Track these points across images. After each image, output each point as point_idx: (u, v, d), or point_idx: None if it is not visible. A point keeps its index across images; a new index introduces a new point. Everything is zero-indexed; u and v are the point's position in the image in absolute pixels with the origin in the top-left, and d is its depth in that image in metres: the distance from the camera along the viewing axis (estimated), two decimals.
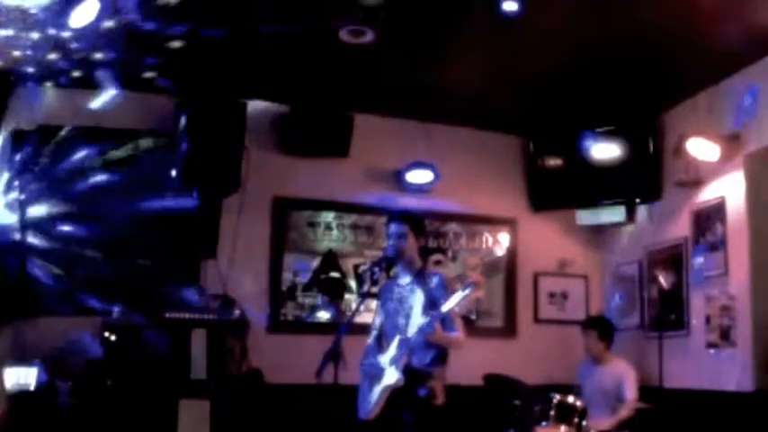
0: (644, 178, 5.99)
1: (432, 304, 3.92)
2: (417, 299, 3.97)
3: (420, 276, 4.06)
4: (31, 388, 4.80)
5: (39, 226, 5.39)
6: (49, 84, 5.45)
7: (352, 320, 4.01)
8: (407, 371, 3.85)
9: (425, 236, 4.26)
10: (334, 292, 5.98)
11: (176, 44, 4.85)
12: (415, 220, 4.17)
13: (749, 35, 4.63)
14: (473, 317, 6.18)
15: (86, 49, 4.89)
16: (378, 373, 3.95)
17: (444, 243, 6.29)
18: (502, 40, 4.87)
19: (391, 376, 3.86)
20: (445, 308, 3.81)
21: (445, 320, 3.91)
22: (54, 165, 5.48)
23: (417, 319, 3.91)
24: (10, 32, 4.64)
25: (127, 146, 5.62)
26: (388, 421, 3.89)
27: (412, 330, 3.86)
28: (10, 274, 5.18)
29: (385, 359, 3.97)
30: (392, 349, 3.95)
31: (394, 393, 3.87)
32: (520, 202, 6.51)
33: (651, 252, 6.00)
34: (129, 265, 5.47)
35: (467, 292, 3.76)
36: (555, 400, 4.73)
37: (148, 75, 5.35)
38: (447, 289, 3.96)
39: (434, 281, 4.01)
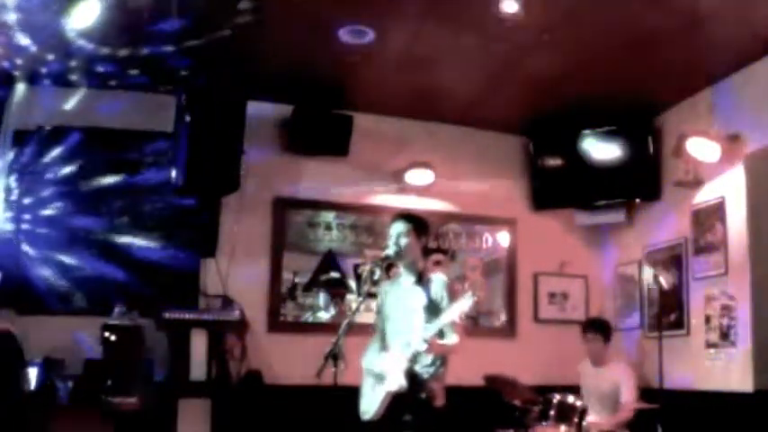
0: (643, 178, 5.99)
1: (433, 307, 3.91)
2: (419, 301, 3.96)
3: (422, 278, 4.06)
4: (31, 388, 4.80)
5: (38, 225, 5.38)
6: (49, 84, 5.44)
7: (353, 320, 3.99)
8: (408, 374, 3.84)
9: (428, 236, 4.24)
10: (334, 292, 5.98)
11: (177, 44, 4.85)
12: (417, 221, 4.17)
13: (749, 35, 4.64)
14: (474, 314, 6.20)
15: (87, 49, 4.89)
16: (381, 375, 3.95)
17: (444, 243, 6.29)
18: (502, 40, 4.87)
19: (395, 382, 3.84)
20: (445, 319, 3.79)
21: (444, 327, 3.89)
22: (53, 165, 5.47)
23: (419, 323, 3.90)
24: (10, 32, 4.64)
25: (126, 146, 5.63)
26: (388, 422, 3.89)
27: (415, 336, 3.84)
28: (9, 274, 5.17)
29: (388, 362, 3.95)
30: (395, 352, 3.93)
31: (395, 395, 3.87)
32: (520, 202, 6.51)
33: (651, 252, 6.00)
34: (129, 264, 5.47)
35: (468, 303, 3.72)
36: (555, 400, 4.73)
37: (149, 75, 5.36)
38: (449, 293, 3.95)
39: (437, 284, 4.00)
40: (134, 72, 5.31)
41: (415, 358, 3.83)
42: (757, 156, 5.02)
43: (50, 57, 5.02)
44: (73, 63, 5.12)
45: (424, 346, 3.77)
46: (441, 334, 3.86)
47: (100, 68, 5.21)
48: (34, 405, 4.70)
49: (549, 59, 5.10)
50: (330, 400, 3.98)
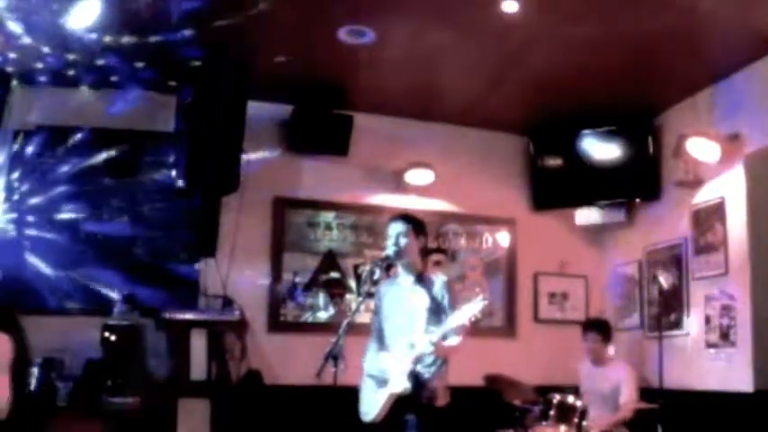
0: (643, 178, 6.00)
1: (435, 308, 3.91)
2: (420, 301, 3.95)
3: (422, 278, 4.06)
4: (32, 388, 4.79)
5: (39, 225, 5.38)
6: (49, 84, 5.44)
7: (353, 320, 3.99)
8: (411, 375, 3.84)
9: (426, 236, 4.24)
10: (334, 292, 5.98)
11: (177, 44, 4.85)
12: (415, 221, 4.17)
13: (749, 35, 4.64)
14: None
15: (87, 48, 4.89)
16: (383, 377, 3.94)
17: (444, 243, 6.29)
18: (502, 41, 4.87)
19: (398, 384, 3.82)
20: (454, 322, 3.77)
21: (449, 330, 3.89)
22: (54, 164, 5.47)
23: (422, 323, 3.89)
24: (10, 31, 4.64)
25: (127, 145, 5.63)
26: (389, 422, 3.88)
27: (418, 337, 3.83)
28: (9, 274, 5.17)
29: (390, 363, 3.93)
30: (398, 354, 3.92)
31: (397, 396, 3.86)
32: (520, 201, 6.51)
33: (651, 252, 6.00)
34: (129, 264, 5.47)
35: (478, 307, 3.70)
36: (555, 400, 4.73)
37: (149, 74, 5.35)
38: (450, 292, 3.95)
39: (438, 284, 4.00)
40: (134, 70, 5.29)
41: (418, 359, 3.83)
42: (757, 156, 5.02)
43: (50, 55, 5.01)
44: (73, 61, 5.11)
45: (431, 348, 3.77)
46: (444, 335, 3.87)
47: (101, 64, 5.20)
48: (34, 405, 4.71)
49: (549, 59, 5.10)
50: (330, 400, 3.98)
